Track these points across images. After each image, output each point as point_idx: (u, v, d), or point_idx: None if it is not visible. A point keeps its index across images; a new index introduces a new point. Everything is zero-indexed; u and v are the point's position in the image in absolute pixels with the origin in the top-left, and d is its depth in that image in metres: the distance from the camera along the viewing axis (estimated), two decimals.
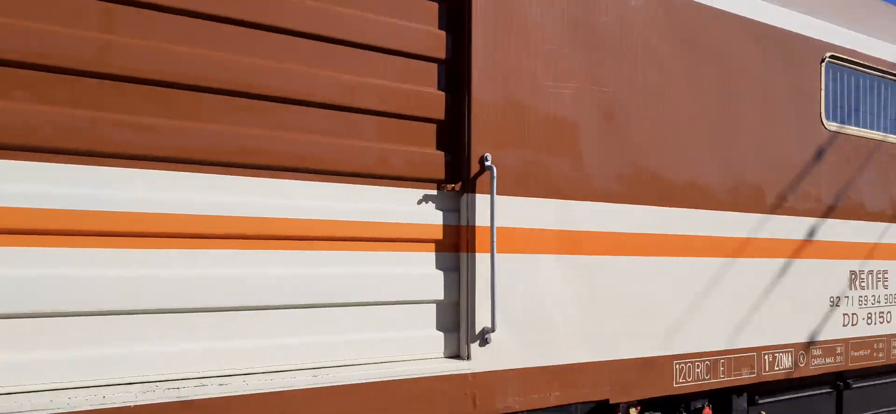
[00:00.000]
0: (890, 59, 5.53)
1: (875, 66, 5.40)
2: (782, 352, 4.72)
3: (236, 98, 2.96)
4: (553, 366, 3.69)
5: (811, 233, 4.90)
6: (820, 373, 4.99)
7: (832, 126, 5.10)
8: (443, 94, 3.50)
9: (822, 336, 4.97)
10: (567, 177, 3.75)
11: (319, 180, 3.17)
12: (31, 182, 2.57)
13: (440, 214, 3.48)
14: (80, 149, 2.65)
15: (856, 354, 5.20)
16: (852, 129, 5.26)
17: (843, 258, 5.11)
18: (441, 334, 3.49)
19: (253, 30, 3.01)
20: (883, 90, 5.52)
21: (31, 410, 2.41)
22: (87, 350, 2.65)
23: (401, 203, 3.39)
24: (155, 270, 2.78)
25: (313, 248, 3.16)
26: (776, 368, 4.70)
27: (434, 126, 3.48)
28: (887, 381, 5.75)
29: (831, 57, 5.09)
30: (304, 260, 3.11)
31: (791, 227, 4.77)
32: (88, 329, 2.66)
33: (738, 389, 4.69)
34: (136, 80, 2.76)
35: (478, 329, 3.46)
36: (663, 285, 4.10)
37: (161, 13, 2.80)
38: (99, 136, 2.67)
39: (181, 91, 2.84)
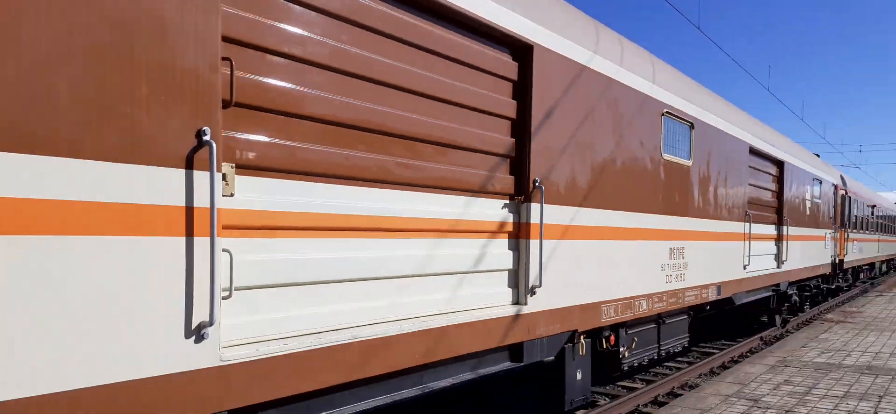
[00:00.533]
0: (690, 112, 8.76)
1: (683, 117, 8.56)
2: (641, 299, 7.58)
3: (417, 143, 4.68)
4: (558, 309, 5.97)
5: (658, 223, 7.86)
6: (654, 314, 7.99)
7: (666, 155, 8.10)
8: (513, 140, 5.53)
9: (657, 290, 7.97)
10: (580, 193, 6.06)
11: (449, 194, 5.01)
12: (366, 200, 4.17)
13: (511, 215, 5.52)
14: (368, 177, 4.25)
15: (670, 300, 8.33)
16: (672, 157, 8.34)
17: (666, 240, 8.17)
18: (509, 290, 5.54)
19: (432, 101, 4.75)
20: (683, 131, 8.72)
21: (325, 331, 4.04)
22: (340, 304, 4.27)
23: (492, 208, 5.35)
24: (389, 252, 4.47)
25: (445, 236, 4.99)
26: (639, 310, 7.54)
27: (509, 160, 5.50)
28: (680, 318, 9.12)
29: (666, 111, 8.07)
30: (442, 244, 4.94)
31: (647, 220, 7.64)
32: (336, 291, 4.29)
33: (623, 324, 7.47)
34: (386, 133, 4.39)
35: (530, 286, 5.58)
36: (597, 259, 6.62)
37: (392, 90, 4.45)
38: (361, 166, 4.29)
39: (392, 138, 4.50)
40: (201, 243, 3.21)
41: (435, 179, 4.78)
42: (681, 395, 9.02)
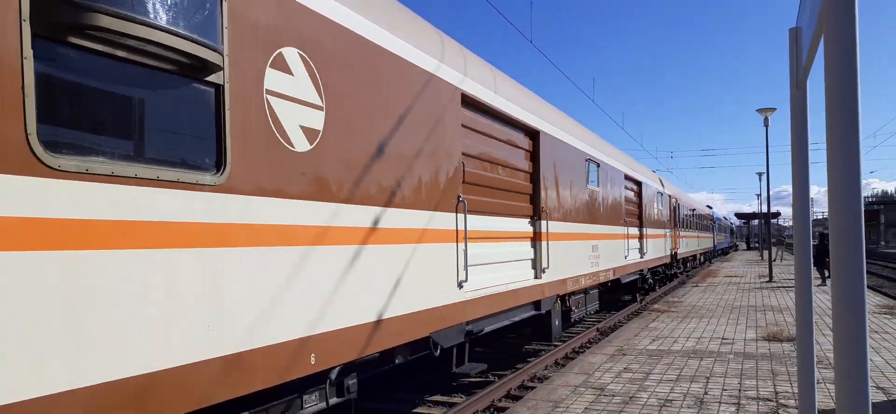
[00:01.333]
0: (598, 157, 13.57)
1: (595, 160, 13.34)
2: (581, 278, 12.15)
3: (505, 191, 8.87)
4: (553, 281, 10.36)
5: (588, 229, 12.52)
6: (585, 287, 12.58)
7: (591, 186, 12.80)
8: (531, 185, 9.83)
9: (587, 271, 12.59)
10: (562, 213, 10.56)
11: (514, 218, 9.20)
12: (497, 222, 8.37)
13: (532, 227, 9.81)
14: (491, 212, 8.36)
15: (593, 279, 13.01)
16: (591, 186, 13.05)
17: (590, 239, 12.83)
18: (532, 270, 9.81)
19: (508, 168, 8.94)
20: (594, 168, 13.48)
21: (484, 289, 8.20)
22: (490, 274, 8.36)
23: (525, 224, 9.60)
24: (498, 248, 8.62)
25: (516, 241, 9.18)
26: (580, 284, 12.10)
27: (529, 195, 9.78)
28: (595, 290, 13.91)
29: (587, 158, 12.78)
30: (514, 244, 9.13)
31: (585, 227, 12.27)
32: (492, 270, 8.41)
33: (573, 293, 12.04)
34: (492, 187, 8.53)
35: (543, 268, 9.89)
36: (568, 252, 11.10)
37: (499, 166, 8.60)
38: (489, 206, 8.42)
39: (489, 189, 8.65)
40: (460, 245, 7.19)
41: (511, 209, 8.98)
42: (533, 387, 9.38)
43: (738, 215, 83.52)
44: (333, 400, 5.37)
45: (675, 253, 25.87)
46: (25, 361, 2.91)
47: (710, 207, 52.08)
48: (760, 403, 7.38)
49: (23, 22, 2.96)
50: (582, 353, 11.69)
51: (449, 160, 7.01)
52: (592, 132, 14.21)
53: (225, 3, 4.02)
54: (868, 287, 17.95)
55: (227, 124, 4.01)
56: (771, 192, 29.23)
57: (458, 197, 7.21)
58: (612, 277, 14.57)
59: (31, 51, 3.00)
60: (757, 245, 71.40)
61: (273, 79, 4.42)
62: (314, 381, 5.16)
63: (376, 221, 5.59)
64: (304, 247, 4.64)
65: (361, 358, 5.40)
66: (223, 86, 4.00)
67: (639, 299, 19.95)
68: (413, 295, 6.18)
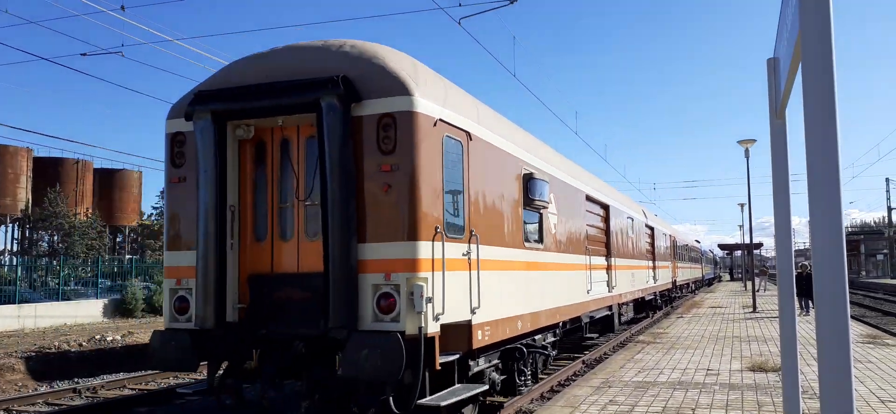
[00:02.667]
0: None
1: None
2: (627, 294, 14.70)
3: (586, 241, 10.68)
4: (617, 294, 16.78)
5: (628, 262, 15.30)
6: (628, 301, 15.04)
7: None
8: (605, 236, 12.54)
9: (630, 290, 14.59)
10: (617, 251, 14.89)
11: (596, 256, 13.07)
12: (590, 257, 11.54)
13: (606, 262, 13.74)
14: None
15: (631, 294, 15.38)
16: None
17: (628, 270, 15.48)
18: (607, 286, 13.68)
19: (590, 227, 11.28)
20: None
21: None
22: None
23: (603, 259, 13.20)
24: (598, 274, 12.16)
25: (597, 271, 11.19)
26: (625, 298, 15.34)
27: (605, 243, 12.42)
28: (633, 303, 19.39)
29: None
30: (600, 273, 12.21)
31: (626, 261, 15.35)
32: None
33: (621, 303, 16.33)
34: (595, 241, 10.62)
35: (613, 286, 14.85)
36: (622, 277, 13.02)
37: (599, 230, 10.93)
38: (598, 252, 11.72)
39: (597, 244, 10.83)
40: (586, 272, 12.74)
41: (594, 250, 12.24)
42: None
43: (721, 246, 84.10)
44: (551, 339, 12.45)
45: (675, 280, 33.06)
46: (513, 303, 9.53)
47: (699, 242, 58.73)
48: None
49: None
50: (567, 385, 11.67)
51: (581, 229, 13.58)
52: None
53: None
54: (851, 317, 18.63)
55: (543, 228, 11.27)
56: (753, 223, 29.94)
57: (586, 247, 13.36)
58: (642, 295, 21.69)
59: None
60: (740, 276, 71.93)
61: (551, 208, 11.62)
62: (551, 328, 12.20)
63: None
64: (561, 272, 12.07)
65: (565, 320, 12.61)
66: (547, 210, 11.35)
67: (653, 313, 27.12)
68: (572, 295, 12.75)
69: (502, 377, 9.79)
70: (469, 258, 7.90)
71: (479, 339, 8.08)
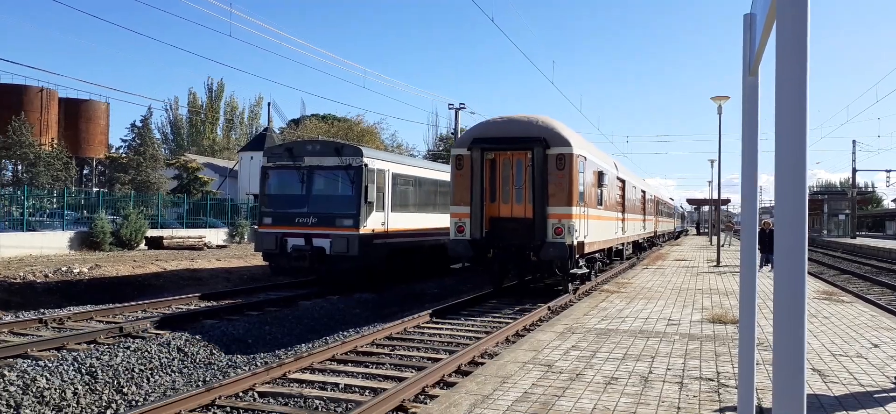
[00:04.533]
0: (641, 187, 14.57)
1: (640, 187, 14.51)
2: (636, 237, 16.01)
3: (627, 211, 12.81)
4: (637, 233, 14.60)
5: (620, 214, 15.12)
6: (631, 241, 17.14)
7: (633, 200, 13.70)
8: (644, 205, 15.79)
9: (632, 234, 15.18)
10: (631, 209, 20.26)
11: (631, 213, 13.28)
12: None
13: (643, 217, 15.81)
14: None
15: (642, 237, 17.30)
16: (633, 197, 13.67)
17: (620, 221, 16.19)
18: (643, 228, 17.22)
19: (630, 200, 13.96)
20: (639, 193, 14.43)
21: None
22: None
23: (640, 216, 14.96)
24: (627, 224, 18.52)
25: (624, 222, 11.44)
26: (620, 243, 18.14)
27: (643, 208, 15.22)
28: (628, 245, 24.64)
29: (641, 190, 14.58)
30: (623, 223, 16.89)
31: (627, 215, 17.15)
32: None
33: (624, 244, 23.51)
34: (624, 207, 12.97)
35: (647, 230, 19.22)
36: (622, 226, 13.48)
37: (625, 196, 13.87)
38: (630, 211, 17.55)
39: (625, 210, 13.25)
40: (620, 222, 17.39)
41: (617, 209, 21.15)
42: (483, 363, 9.55)
43: (690, 201, 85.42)
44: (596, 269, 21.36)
45: (656, 231, 42.11)
46: (596, 234, 19.32)
47: (672, 199, 72.57)
48: (702, 382, 7.59)
49: None
50: (532, 330, 11.76)
51: (615, 197, 22.42)
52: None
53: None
54: (809, 274, 19.20)
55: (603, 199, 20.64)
56: (723, 180, 30.27)
57: (623, 207, 23.47)
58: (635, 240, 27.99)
59: None
60: (707, 230, 73.38)
61: (605, 189, 20.63)
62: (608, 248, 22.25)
63: (623, 216, 23.82)
64: (608, 222, 21.26)
65: (610, 247, 22.57)
66: (605, 189, 20.40)
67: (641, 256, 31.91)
68: (612, 234, 21.92)
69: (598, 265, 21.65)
70: (584, 213, 17.33)
71: (586, 250, 17.75)
